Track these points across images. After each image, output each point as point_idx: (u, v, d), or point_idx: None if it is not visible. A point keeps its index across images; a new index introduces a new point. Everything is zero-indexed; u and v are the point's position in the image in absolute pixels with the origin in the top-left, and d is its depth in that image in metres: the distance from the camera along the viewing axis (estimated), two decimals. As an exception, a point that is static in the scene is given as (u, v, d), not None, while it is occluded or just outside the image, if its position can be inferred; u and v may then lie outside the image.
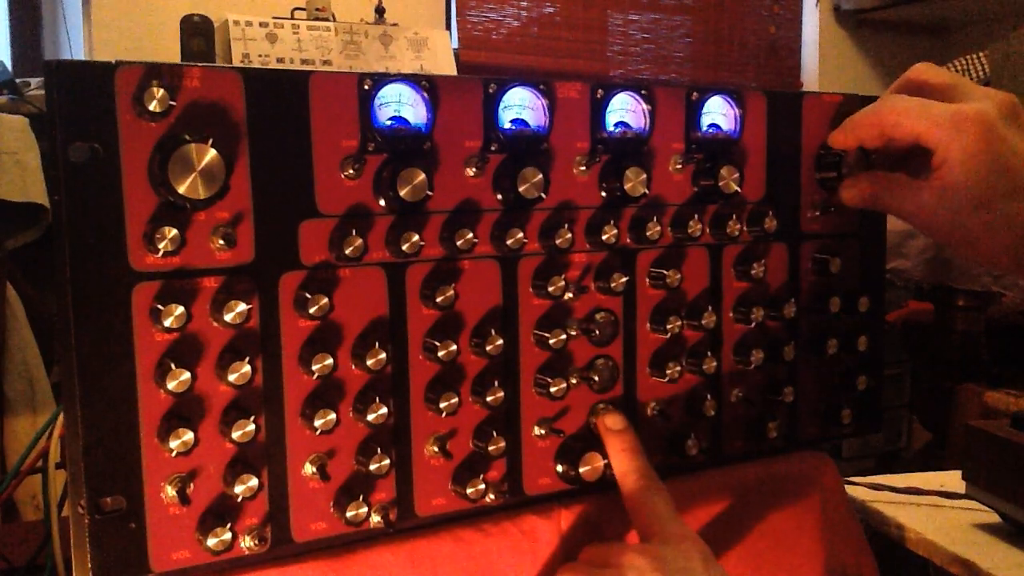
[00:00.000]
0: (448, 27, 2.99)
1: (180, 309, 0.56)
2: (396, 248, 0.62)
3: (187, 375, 0.56)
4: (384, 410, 0.62)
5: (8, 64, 2.39)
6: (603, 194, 0.71)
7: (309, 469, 0.62)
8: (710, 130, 0.75)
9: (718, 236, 0.76)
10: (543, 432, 0.70)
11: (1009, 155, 0.65)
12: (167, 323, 0.55)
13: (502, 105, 0.66)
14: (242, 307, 0.57)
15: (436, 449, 0.66)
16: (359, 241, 0.60)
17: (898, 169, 0.74)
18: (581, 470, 0.71)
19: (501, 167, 0.66)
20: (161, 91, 0.54)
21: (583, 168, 0.69)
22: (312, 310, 0.59)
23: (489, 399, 0.66)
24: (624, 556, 0.63)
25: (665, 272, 0.73)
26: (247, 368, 0.58)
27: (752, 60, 3.56)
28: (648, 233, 0.71)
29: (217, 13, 2.47)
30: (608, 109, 0.70)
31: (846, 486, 0.89)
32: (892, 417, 2.76)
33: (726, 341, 0.77)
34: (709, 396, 0.76)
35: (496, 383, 0.66)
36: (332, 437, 0.62)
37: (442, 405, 0.64)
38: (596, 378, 0.72)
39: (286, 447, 0.61)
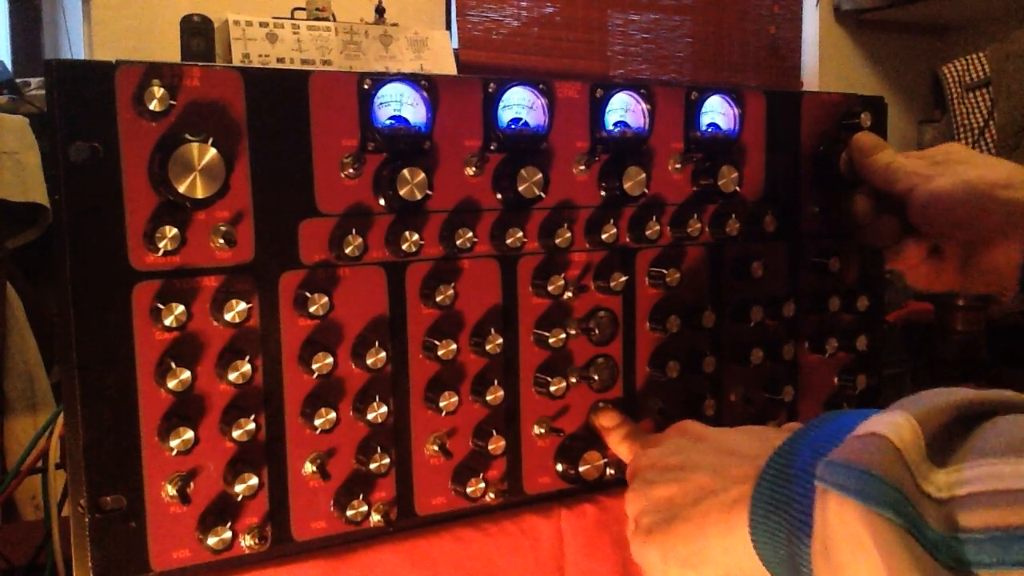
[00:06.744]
0: (448, 27, 2.99)
1: (180, 308, 0.56)
2: (396, 247, 0.62)
3: (187, 374, 0.56)
4: (384, 409, 0.62)
5: (8, 64, 2.39)
6: (602, 193, 0.71)
7: (309, 468, 0.62)
8: (709, 129, 0.75)
9: (717, 235, 0.76)
10: (543, 431, 0.70)
11: None
12: (167, 322, 0.55)
13: (502, 105, 0.66)
14: (242, 306, 0.57)
15: (436, 448, 0.66)
16: (359, 240, 0.60)
17: None
18: (581, 469, 0.71)
19: (501, 166, 0.66)
20: (161, 90, 0.54)
21: (582, 167, 0.69)
22: (312, 309, 0.60)
23: (489, 398, 0.66)
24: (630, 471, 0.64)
25: (664, 271, 0.73)
26: (247, 367, 0.58)
27: (752, 60, 3.56)
28: (647, 232, 0.71)
29: (217, 13, 2.47)
30: (607, 109, 0.70)
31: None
32: (892, 417, 2.75)
33: (726, 340, 0.77)
34: (709, 396, 0.76)
35: (496, 382, 0.66)
36: (332, 436, 0.62)
37: (442, 404, 0.64)
38: (596, 377, 0.72)
39: (286, 446, 0.61)
